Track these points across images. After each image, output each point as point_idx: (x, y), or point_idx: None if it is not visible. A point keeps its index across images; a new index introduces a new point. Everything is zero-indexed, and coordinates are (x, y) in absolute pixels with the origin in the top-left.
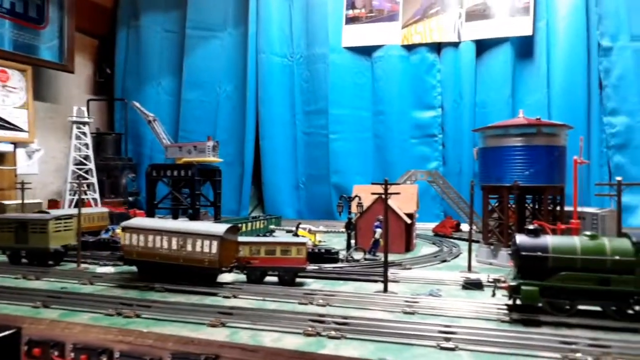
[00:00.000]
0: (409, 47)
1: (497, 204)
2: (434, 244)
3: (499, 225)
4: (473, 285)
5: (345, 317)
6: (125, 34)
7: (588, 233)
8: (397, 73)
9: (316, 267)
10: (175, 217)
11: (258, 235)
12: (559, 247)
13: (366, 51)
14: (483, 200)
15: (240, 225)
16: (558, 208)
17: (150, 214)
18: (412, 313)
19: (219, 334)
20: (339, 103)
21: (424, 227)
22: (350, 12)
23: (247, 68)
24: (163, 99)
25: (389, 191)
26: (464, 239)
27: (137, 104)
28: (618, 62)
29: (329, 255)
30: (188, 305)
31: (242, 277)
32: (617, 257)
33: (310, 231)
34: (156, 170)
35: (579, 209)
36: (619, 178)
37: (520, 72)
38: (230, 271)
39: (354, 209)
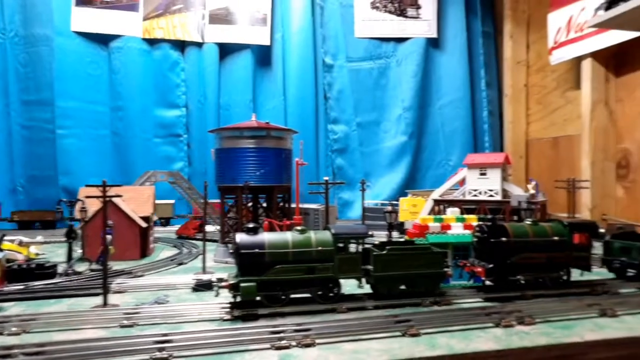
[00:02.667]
0: (151, 42)
1: (233, 204)
2: (175, 246)
3: (235, 224)
4: (203, 286)
5: (43, 345)
6: None
7: (299, 228)
8: (138, 67)
9: (21, 287)
10: None
11: None
12: (274, 243)
13: (102, 39)
14: (220, 201)
15: None
16: (287, 205)
17: None
18: (131, 326)
19: None
20: (68, 94)
21: (168, 229)
22: None
23: None
24: None
25: (112, 194)
26: (206, 240)
27: None
28: (338, 79)
29: (42, 271)
30: None
31: None
32: (320, 248)
33: (21, 243)
34: None
35: (305, 205)
36: (325, 178)
37: (260, 79)
38: None
39: (78, 214)
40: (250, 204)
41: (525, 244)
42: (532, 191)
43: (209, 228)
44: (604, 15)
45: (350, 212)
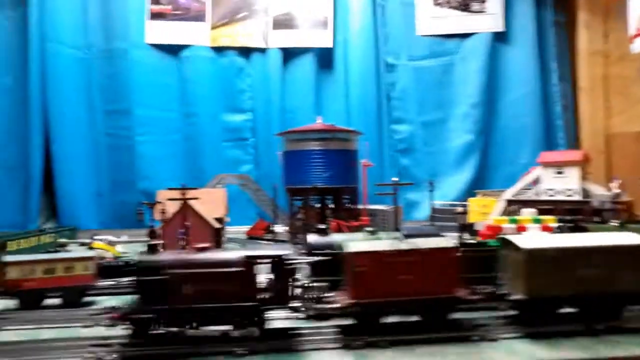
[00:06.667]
0: (218, 50)
1: (301, 205)
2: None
3: (303, 224)
4: None
5: None
6: None
7: (370, 229)
8: (207, 75)
9: (112, 282)
10: None
11: (48, 252)
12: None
13: (172, 50)
14: (288, 202)
15: (7, 241)
16: (353, 206)
17: None
18: None
19: None
20: (144, 103)
21: (237, 230)
22: (155, 7)
23: (29, 58)
24: None
25: (189, 196)
26: (276, 240)
27: None
28: (401, 78)
29: (130, 268)
30: None
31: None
32: None
33: (110, 243)
34: None
35: (372, 206)
36: (394, 179)
37: (323, 81)
38: None
39: (157, 216)
40: (317, 206)
41: None
42: (617, 190)
43: (277, 229)
44: None
45: (416, 213)
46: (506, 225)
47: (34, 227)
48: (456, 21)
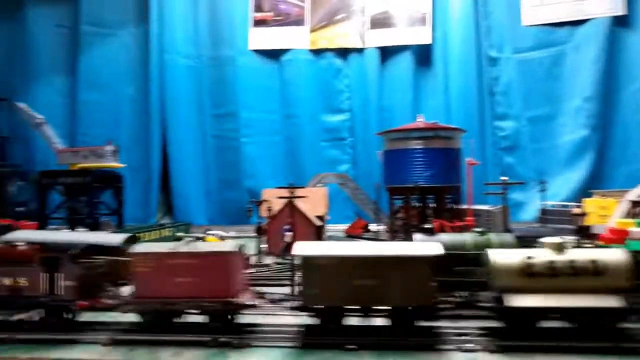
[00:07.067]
0: (316, 52)
1: (401, 204)
2: None
3: (403, 224)
4: None
5: None
6: (5, 26)
7: (479, 230)
8: (306, 77)
9: None
10: (72, 227)
11: None
12: (451, 244)
13: (274, 54)
14: (388, 201)
15: (136, 234)
16: (456, 206)
17: (42, 225)
18: None
19: None
20: (248, 106)
21: (336, 228)
22: (257, 14)
23: (150, 69)
24: (56, 101)
25: (296, 195)
26: (374, 239)
27: (23, 105)
28: (504, 72)
29: None
30: None
31: None
32: None
33: (220, 237)
34: (47, 178)
35: (476, 206)
36: (503, 178)
37: (421, 78)
38: None
39: (263, 213)
40: (418, 205)
41: None
42: None
43: (374, 227)
44: None
45: (522, 213)
46: (634, 229)
47: (153, 221)
48: (568, 7)
